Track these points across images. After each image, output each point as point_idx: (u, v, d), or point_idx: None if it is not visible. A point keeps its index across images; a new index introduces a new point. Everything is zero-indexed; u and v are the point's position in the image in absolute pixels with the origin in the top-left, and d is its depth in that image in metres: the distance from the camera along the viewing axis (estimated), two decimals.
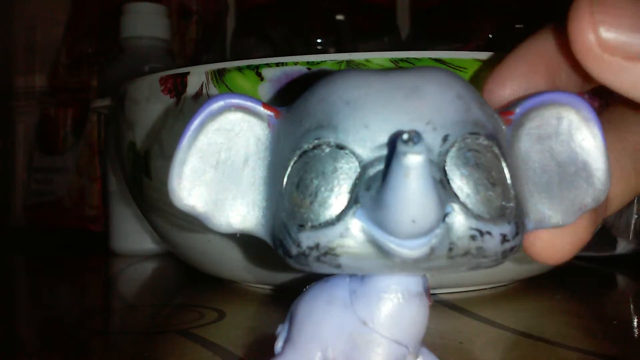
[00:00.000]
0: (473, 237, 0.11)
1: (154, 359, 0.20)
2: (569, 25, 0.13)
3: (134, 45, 0.46)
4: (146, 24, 0.46)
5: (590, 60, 0.13)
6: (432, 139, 0.12)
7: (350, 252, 0.11)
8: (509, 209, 0.12)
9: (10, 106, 0.60)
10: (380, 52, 0.24)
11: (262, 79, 0.24)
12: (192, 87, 0.26)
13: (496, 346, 0.21)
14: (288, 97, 0.25)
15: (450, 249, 0.11)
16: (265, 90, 0.24)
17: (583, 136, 0.13)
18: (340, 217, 0.11)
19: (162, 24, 0.46)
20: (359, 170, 0.11)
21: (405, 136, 0.10)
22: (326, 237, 0.11)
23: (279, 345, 0.14)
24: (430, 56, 0.23)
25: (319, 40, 0.49)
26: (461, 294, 0.28)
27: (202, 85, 0.26)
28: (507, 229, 0.12)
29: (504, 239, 0.12)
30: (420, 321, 0.13)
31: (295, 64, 0.24)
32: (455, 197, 0.11)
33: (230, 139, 0.13)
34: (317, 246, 0.11)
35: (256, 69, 0.24)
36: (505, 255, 0.12)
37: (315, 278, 0.14)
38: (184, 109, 0.26)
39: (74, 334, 0.24)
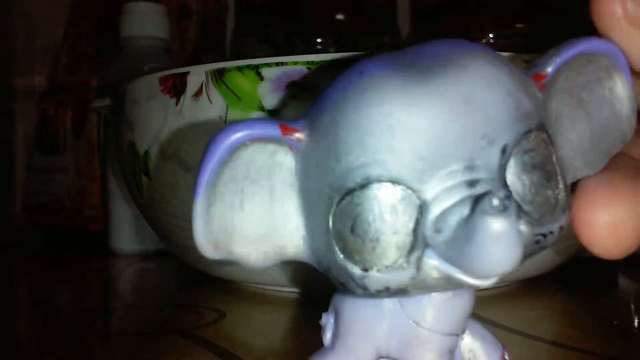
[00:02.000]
0: (537, 242, 0.11)
1: (154, 359, 0.20)
2: None
3: (134, 45, 0.46)
4: (146, 23, 0.46)
5: (615, 32, 0.13)
6: (492, 155, 0.11)
7: (422, 287, 0.11)
8: (560, 194, 0.12)
9: (10, 106, 0.60)
10: (380, 52, 0.24)
11: (261, 78, 0.24)
12: (191, 87, 0.26)
13: None
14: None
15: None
16: (265, 90, 0.24)
17: (613, 81, 0.13)
18: (408, 259, 0.11)
19: (161, 23, 0.46)
20: (418, 205, 0.10)
21: (495, 202, 0.09)
22: (396, 281, 0.11)
23: (327, 336, 0.14)
24: None
25: (319, 40, 0.49)
26: None
27: (201, 85, 0.26)
28: (563, 219, 0.11)
29: (562, 229, 0.12)
30: (469, 308, 0.13)
31: (295, 63, 0.24)
32: (520, 209, 0.11)
33: (250, 173, 0.12)
34: (387, 289, 0.11)
35: (256, 69, 0.24)
36: (558, 239, 0.12)
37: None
38: (183, 108, 0.26)
39: (74, 334, 0.24)
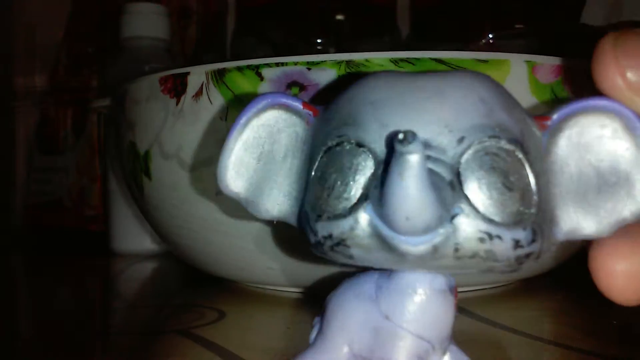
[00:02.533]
0: (481, 240, 0.11)
1: (154, 359, 0.20)
2: (595, 70, 0.13)
3: (134, 45, 0.46)
4: (146, 24, 0.46)
5: (620, 101, 0.13)
6: (448, 140, 0.12)
7: (359, 243, 0.12)
8: (527, 215, 0.12)
9: (11, 106, 0.60)
10: (380, 52, 0.24)
11: (262, 79, 0.24)
12: (192, 87, 0.26)
13: (496, 346, 0.21)
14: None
15: (457, 250, 0.11)
16: (265, 90, 0.24)
17: (627, 145, 0.13)
18: (351, 210, 0.12)
19: (162, 24, 0.46)
20: (374, 167, 0.12)
21: (400, 135, 0.10)
22: (338, 229, 0.12)
23: (312, 335, 0.15)
24: (430, 56, 0.23)
25: (319, 40, 0.49)
26: (461, 294, 0.28)
27: (202, 85, 0.26)
28: (521, 234, 0.12)
29: (517, 244, 0.12)
30: (444, 318, 0.13)
31: (295, 64, 0.24)
32: (465, 198, 0.11)
33: (273, 134, 0.14)
34: (330, 236, 0.12)
35: (256, 69, 0.24)
36: (520, 261, 0.12)
37: (344, 276, 0.14)
38: (184, 109, 0.26)
39: (74, 333, 0.24)
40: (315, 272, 0.26)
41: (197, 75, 0.26)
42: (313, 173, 0.13)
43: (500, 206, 0.12)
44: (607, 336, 0.22)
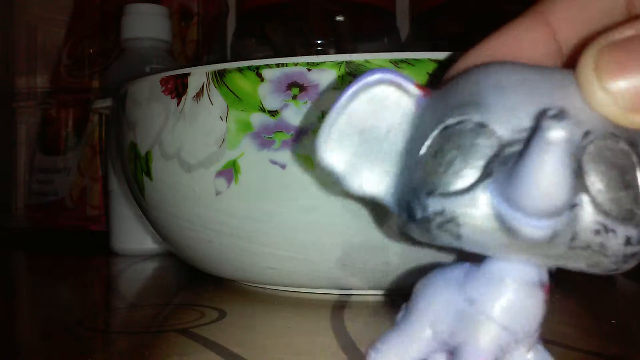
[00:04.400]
0: (597, 232, 0.11)
1: (155, 359, 0.21)
2: (580, 85, 0.13)
3: (135, 46, 0.46)
4: (147, 25, 0.46)
5: (622, 121, 0.13)
6: (574, 132, 0.12)
7: (473, 223, 0.12)
8: (638, 215, 0.12)
9: (12, 107, 0.60)
10: (380, 53, 0.24)
11: (262, 79, 0.24)
12: (192, 88, 0.26)
13: None
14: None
15: (573, 239, 0.11)
16: (266, 90, 0.24)
17: None
18: (470, 188, 0.12)
19: (163, 25, 0.47)
20: (496, 148, 0.12)
21: (552, 111, 0.10)
22: (452, 205, 0.12)
23: (399, 317, 0.14)
24: (430, 57, 0.24)
25: (319, 41, 0.50)
26: None
27: (202, 86, 0.26)
28: (633, 232, 0.12)
29: (628, 241, 0.12)
30: (531, 311, 0.13)
31: (295, 64, 0.24)
32: (586, 189, 0.11)
33: (379, 110, 0.14)
34: (442, 212, 0.12)
35: (256, 70, 0.24)
36: (626, 260, 0.12)
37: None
38: (184, 109, 0.26)
39: (75, 333, 0.24)
40: (315, 272, 0.26)
41: (198, 76, 0.26)
42: (425, 150, 0.13)
43: (616, 201, 0.12)
44: (607, 336, 0.22)
